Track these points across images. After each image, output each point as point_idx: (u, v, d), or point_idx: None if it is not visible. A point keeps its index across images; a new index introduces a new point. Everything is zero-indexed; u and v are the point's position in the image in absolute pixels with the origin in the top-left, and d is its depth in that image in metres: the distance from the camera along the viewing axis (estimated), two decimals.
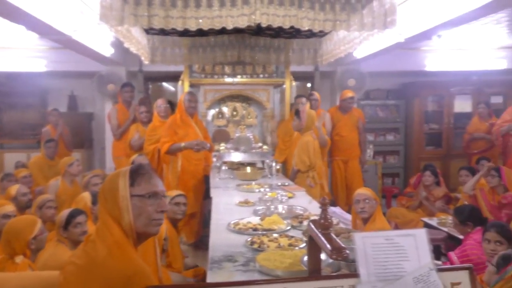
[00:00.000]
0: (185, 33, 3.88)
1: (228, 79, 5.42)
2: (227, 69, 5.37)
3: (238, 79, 5.43)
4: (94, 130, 7.34)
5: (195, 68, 5.40)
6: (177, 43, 4.82)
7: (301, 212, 2.91)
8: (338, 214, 3.78)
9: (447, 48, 6.69)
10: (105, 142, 6.70)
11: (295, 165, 4.43)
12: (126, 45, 3.76)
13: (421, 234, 1.23)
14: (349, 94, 5.95)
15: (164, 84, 8.47)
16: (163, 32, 4.42)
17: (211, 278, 1.80)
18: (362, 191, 3.36)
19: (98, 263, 1.35)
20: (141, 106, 5.47)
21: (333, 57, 4.33)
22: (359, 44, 3.71)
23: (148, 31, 4.36)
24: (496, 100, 7.36)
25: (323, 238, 1.20)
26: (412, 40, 4.50)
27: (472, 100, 7.38)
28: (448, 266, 1.19)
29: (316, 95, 5.69)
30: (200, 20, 2.90)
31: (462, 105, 7.44)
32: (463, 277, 1.21)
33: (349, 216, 3.80)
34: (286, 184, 4.13)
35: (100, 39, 4.86)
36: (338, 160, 5.97)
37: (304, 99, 5.19)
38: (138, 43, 4.01)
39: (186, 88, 5.35)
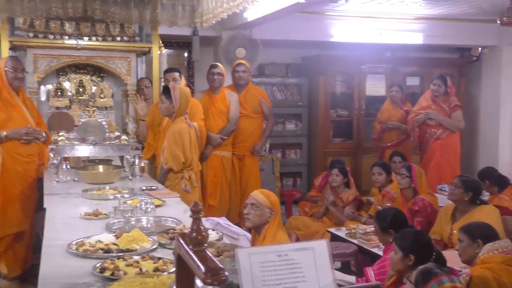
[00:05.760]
0: None
1: (71, 41, 5.14)
2: (68, 27, 5.09)
3: (85, 42, 5.17)
4: None
5: (18, 22, 5.01)
6: None
7: (173, 225, 2.88)
8: (223, 226, 3.83)
9: (356, 15, 7.16)
10: None
11: (165, 163, 4.37)
12: None
13: (321, 246, 1.29)
14: (239, 61, 5.98)
15: None
16: None
17: None
18: (253, 194, 3.40)
19: None
20: None
21: (215, 17, 4.35)
22: (249, 2, 3.76)
23: None
24: (412, 82, 8.07)
25: (195, 257, 1.19)
26: (315, 2, 4.71)
27: (386, 81, 7.94)
28: (356, 285, 1.27)
29: (221, 67, 5.66)
30: None
31: (375, 87, 7.98)
32: None
33: (238, 229, 3.86)
34: (154, 188, 4.07)
35: None
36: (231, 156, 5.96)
37: (177, 74, 5.13)
38: None
39: (6, 52, 4.93)
